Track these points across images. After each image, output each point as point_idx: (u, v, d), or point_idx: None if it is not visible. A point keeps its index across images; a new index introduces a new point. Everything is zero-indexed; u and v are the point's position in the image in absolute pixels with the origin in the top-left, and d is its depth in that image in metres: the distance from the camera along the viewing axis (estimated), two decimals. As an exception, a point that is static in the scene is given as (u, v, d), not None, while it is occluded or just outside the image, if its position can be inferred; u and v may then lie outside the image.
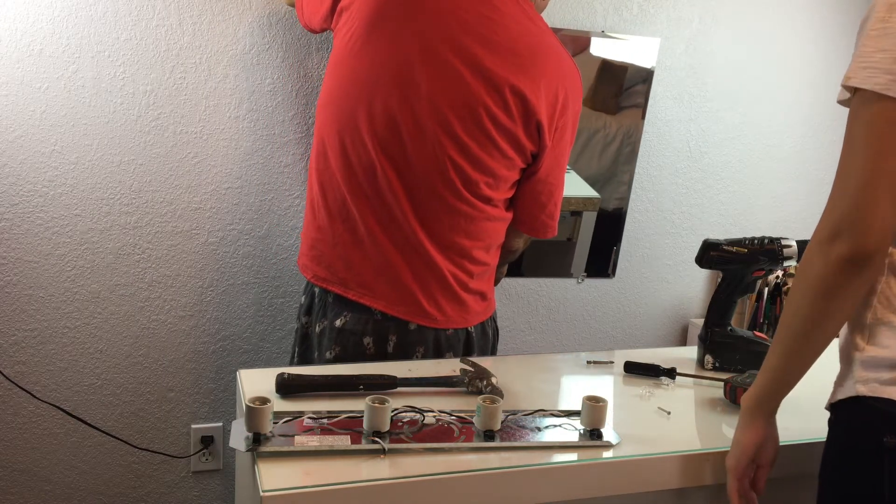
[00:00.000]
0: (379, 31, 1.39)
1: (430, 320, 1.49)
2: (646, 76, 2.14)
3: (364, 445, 1.09)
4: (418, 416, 1.17)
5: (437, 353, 1.51)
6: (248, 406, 1.06)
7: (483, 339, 1.59)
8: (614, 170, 2.20)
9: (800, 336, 1.03)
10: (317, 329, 1.55)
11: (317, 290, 1.56)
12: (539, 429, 1.18)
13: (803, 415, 1.29)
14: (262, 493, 0.98)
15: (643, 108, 2.17)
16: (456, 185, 1.42)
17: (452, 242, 1.47)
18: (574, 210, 2.17)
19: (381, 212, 1.44)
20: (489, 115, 1.40)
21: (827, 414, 1.10)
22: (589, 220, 2.21)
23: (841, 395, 1.05)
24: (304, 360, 1.62)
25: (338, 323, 1.50)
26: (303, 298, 1.63)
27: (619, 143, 2.17)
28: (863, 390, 1.01)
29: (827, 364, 1.12)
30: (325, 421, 1.14)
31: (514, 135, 1.43)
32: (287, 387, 1.24)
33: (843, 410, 1.05)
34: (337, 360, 1.50)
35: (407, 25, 1.38)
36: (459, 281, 1.50)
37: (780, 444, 1.17)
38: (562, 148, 1.54)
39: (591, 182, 2.16)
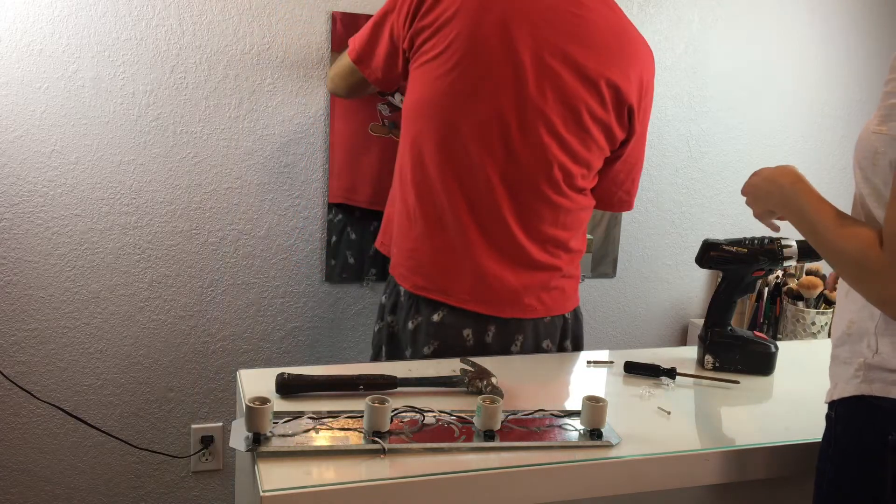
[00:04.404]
0: (476, 46, 1.43)
1: (531, 312, 1.53)
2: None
3: (364, 445, 1.09)
4: (418, 416, 1.17)
5: (536, 341, 1.56)
6: (248, 406, 1.06)
7: (576, 324, 1.64)
8: (607, 245, 2.27)
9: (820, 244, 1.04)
10: (409, 326, 1.55)
11: (403, 289, 1.58)
12: (539, 429, 1.18)
13: (803, 415, 1.29)
14: (262, 493, 0.98)
15: None
16: (558, 181, 1.49)
17: (551, 237, 1.53)
18: None
19: (483, 217, 1.48)
20: (588, 111, 1.47)
21: (824, 411, 1.11)
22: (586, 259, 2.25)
23: (844, 393, 1.05)
24: (393, 359, 1.61)
25: (435, 318, 1.52)
26: (383, 298, 1.64)
27: (605, 226, 2.26)
28: (868, 389, 1.01)
29: (826, 365, 1.12)
30: (325, 421, 1.14)
31: (607, 125, 1.50)
32: (287, 387, 1.24)
33: (846, 408, 1.05)
34: (436, 354, 1.52)
35: (503, 37, 1.43)
36: (558, 270, 1.55)
37: (779, 444, 1.19)
38: (644, 127, 1.61)
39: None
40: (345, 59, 1.68)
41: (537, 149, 1.46)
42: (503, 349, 1.53)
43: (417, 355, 1.54)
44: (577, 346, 1.65)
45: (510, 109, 1.44)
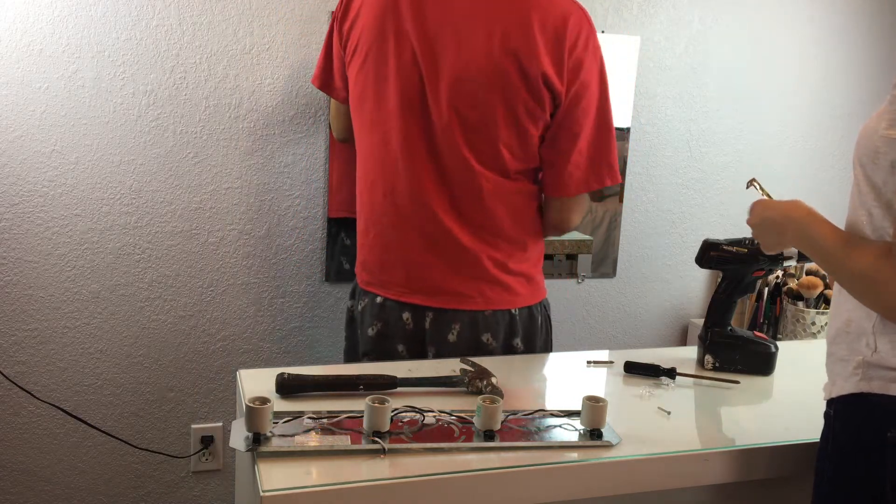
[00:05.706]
0: (377, 35, 1.47)
1: (468, 302, 1.52)
2: (622, 165, 2.16)
3: (364, 445, 1.09)
4: (418, 416, 1.17)
5: (474, 333, 1.53)
6: (248, 406, 1.06)
7: (530, 323, 1.58)
8: (607, 245, 2.27)
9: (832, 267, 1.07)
10: (359, 308, 1.61)
11: None
12: (539, 429, 1.18)
13: (803, 415, 1.29)
14: (262, 493, 0.98)
15: (620, 192, 2.24)
16: (471, 162, 1.46)
17: (483, 223, 1.50)
18: (569, 253, 2.24)
19: (410, 207, 1.49)
20: (489, 85, 1.42)
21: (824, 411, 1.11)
22: (585, 259, 2.27)
23: (843, 391, 1.05)
24: (352, 342, 1.67)
25: (378, 300, 1.56)
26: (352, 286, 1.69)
27: (605, 227, 2.25)
28: (867, 387, 1.02)
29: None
30: (325, 421, 1.14)
31: (521, 97, 1.42)
32: (287, 387, 1.24)
33: (845, 405, 1.06)
34: (379, 336, 1.55)
35: (396, 22, 1.45)
36: (497, 262, 1.52)
37: (779, 444, 1.19)
38: (580, 95, 1.46)
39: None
40: (333, 101, 1.72)
41: (447, 132, 1.45)
42: (440, 336, 1.52)
43: (364, 336, 1.58)
44: (531, 347, 1.58)
45: (415, 94, 1.44)
